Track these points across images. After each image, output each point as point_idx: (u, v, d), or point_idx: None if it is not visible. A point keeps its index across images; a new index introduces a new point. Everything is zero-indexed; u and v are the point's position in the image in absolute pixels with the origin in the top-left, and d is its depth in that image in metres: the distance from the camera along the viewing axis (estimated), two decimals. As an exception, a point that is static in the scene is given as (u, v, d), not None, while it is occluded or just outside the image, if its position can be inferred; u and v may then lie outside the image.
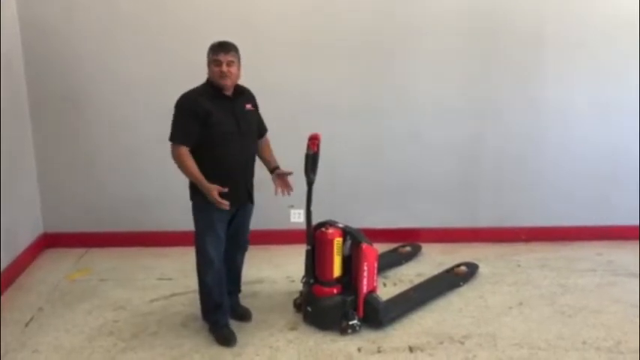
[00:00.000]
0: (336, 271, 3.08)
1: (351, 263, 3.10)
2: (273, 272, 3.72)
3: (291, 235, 3.89)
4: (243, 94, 2.90)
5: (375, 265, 3.12)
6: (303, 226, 3.11)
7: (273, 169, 3.03)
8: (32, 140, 4.00)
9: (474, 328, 3.10)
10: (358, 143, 4.08)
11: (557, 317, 3.22)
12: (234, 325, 3.07)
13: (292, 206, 4.02)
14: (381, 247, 3.60)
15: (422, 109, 4.05)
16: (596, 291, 3.51)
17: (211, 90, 2.80)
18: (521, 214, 4.24)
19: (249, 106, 2.90)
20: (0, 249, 3.49)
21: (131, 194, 4.11)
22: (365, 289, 3.08)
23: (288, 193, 3.04)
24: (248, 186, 2.95)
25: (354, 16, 3.87)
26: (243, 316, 3.17)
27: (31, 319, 3.24)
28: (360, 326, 3.06)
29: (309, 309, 3.12)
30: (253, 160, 2.98)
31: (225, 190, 2.73)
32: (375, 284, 3.15)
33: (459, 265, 3.73)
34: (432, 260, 3.93)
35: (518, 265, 3.88)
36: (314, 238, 3.09)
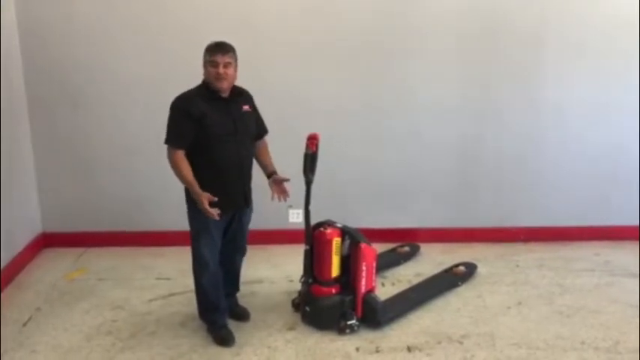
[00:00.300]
0: (335, 270, 3.07)
1: (349, 263, 3.10)
2: (272, 272, 3.72)
3: (289, 235, 3.89)
4: (240, 96, 2.86)
5: (374, 265, 3.12)
6: (302, 226, 3.11)
7: (270, 174, 2.97)
8: (30, 140, 4.00)
9: (473, 328, 3.11)
10: (357, 143, 4.08)
11: (556, 317, 3.22)
12: (232, 324, 3.07)
13: (291, 206, 4.00)
14: (380, 247, 3.60)
15: (421, 109, 4.04)
16: (595, 291, 3.52)
17: (207, 92, 2.76)
18: (520, 214, 4.24)
19: (246, 108, 2.87)
20: (-2, 248, 3.50)
21: (130, 194, 4.11)
22: (363, 288, 3.08)
23: (285, 199, 3.00)
24: (245, 189, 2.90)
25: (353, 15, 3.86)
26: (241, 316, 3.16)
27: (30, 318, 3.23)
28: (358, 326, 3.06)
29: (307, 309, 3.12)
30: (250, 163, 2.93)
31: (216, 199, 2.68)
32: (373, 284, 3.15)
33: (457, 265, 3.74)
34: (431, 260, 3.93)
35: (517, 265, 3.88)
36: (313, 237, 3.09)
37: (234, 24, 3.78)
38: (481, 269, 3.76)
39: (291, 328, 3.12)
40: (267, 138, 3.06)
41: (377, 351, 2.92)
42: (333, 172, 3.96)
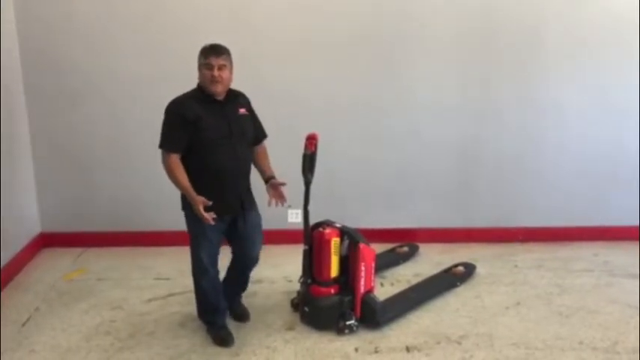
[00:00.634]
0: (334, 271, 3.07)
1: (348, 263, 3.10)
2: (271, 272, 3.72)
3: (288, 235, 3.89)
4: (236, 98, 2.83)
5: (373, 265, 3.12)
6: (301, 226, 3.10)
7: (268, 179, 2.92)
8: (29, 140, 4.00)
9: (471, 328, 3.11)
10: (356, 143, 4.08)
11: (554, 317, 3.22)
12: (231, 324, 3.06)
13: (290, 206, 3.96)
14: (379, 247, 3.60)
15: (421, 109, 4.04)
16: (593, 291, 3.52)
17: (202, 95, 2.73)
18: (519, 214, 4.24)
19: (242, 111, 2.83)
20: (-3, 248, 3.49)
21: (129, 194, 4.11)
22: (362, 289, 3.08)
23: (282, 204, 2.95)
24: (241, 194, 2.85)
25: (353, 15, 3.86)
26: (242, 316, 3.15)
27: (28, 318, 3.23)
28: (357, 326, 3.06)
29: (306, 309, 3.12)
30: (248, 167, 2.89)
31: (210, 203, 2.65)
32: (372, 284, 3.15)
33: (456, 266, 3.74)
34: (430, 260, 3.93)
35: (516, 266, 3.88)
36: (311, 238, 3.09)
37: (233, 24, 3.78)
38: (480, 269, 3.77)
39: (290, 329, 3.12)
40: (266, 138, 3.05)
41: (376, 351, 2.92)
42: (332, 172, 3.96)
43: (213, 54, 2.68)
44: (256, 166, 2.96)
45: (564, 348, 2.93)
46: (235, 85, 2.85)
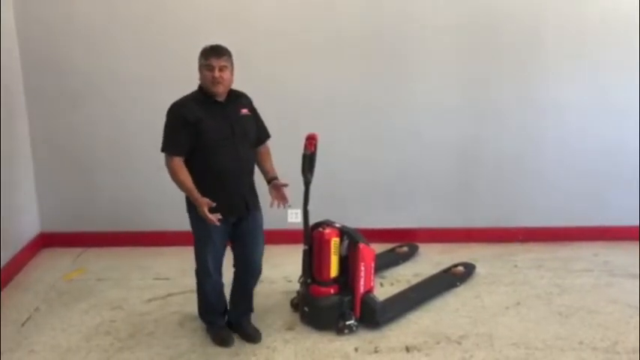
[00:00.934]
0: (334, 271, 3.07)
1: (348, 263, 3.10)
2: (271, 272, 3.71)
3: (288, 235, 3.88)
4: (238, 99, 2.81)
5: (373, 265, 3.12)
6: (301, 226, 3.11)
7: (270, 180, 2.89)
8: (29, 140, 4.00)
9: (471, 328, 3.11)
10: (356, 143, 4.08)
11: (554, 317, 3.22)
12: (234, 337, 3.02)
13: (290, 206, 3.98)
14: (379, 247, 3.60)
15: (421, 109, 4.04)
16: (593, 291, 3.52)
17: (203, 96, 2.72)
18: (518, 214, 4.24)
19: (244, 111, 2.81)
20: (-3, 248, 3.50)
21: (128, 194, 4.11)
22: (362, 289, 3.08)
23: (284, 206, 2.92)
24: (245, 194, 2.82)
25: (353, 15, 3.86)
26: (252, 337, 2.99)
27: (28, 318, 3.23)
28: (357, 326, 3.06)
29: (306, 309, 3.12)
30: (251, 168, 2.86)
31: (214, 204, 2.64)
32: (372, 284, 3.16)
33: (456, 265, 3.74)
34: (430, 260, 3.93)
35: (515, 266, 3.88)
36: (311, 238, 3.09)
37: (233, 24, 3.78)
38: (480, 269, 3.77)
39: (290, 329, 3.12)
40: (270, 139, 3.02)
41: (376, 351, 2.92)
42: (331, 172, 3.95)
43: (213, 55, 2.67)
44: (259, 166, 2.94)
45: (564, 348, 2.93)
46: (235, 86, 2.84)
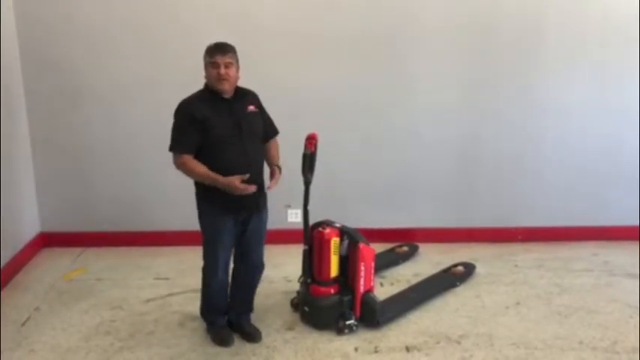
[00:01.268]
0: (334, 270, 3.07)
1: (348, 263, 3.10)
2: (271, 272, 3.69)
3: (288, 235, 3.89)
4: (244, 96, 2.81)
5: (373, 264, 3.12)
6: (301, 226, 3.11)
7: (271, 166, 2.89)
8: (29, 140, 4.00)
9: (471, 328, 3.11)
10: (356, 142, 4.08)
11: (554, 317, 3.22)
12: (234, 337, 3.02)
13: (289, 206, 4.02)
14: (379, 247, 3.60)
15: (421, 109, 4.05)
16: (593, 291, 3.52)
17: (209, 94, 2.72)
18: (518, 214, 4.24)
19: (251, 108, 2.80)
20: (-3, 248, 3.50)
21: (128, 194, 4.11)
22: (362, 288, 3.08)
23: (270, 186, 2.84)
24: (255, 193, 2.77)
25: (353, 15, 3.87)
26: (252, 336, 3.00)
27: (28, 318, 3.23)
28: (357, 326, 3.06)
29: (306, 309, 3.12)
30: (260, 166, 2.83)
31: (246, 176, 2.62)
32: (372, 284, 3.16)
33: (456, 265, 3.74)
34: (429, 260, 3.93)
35: (515, 265, 3.88)
36: (311, 237, 3.09)
37: (233, 24, 3.78)
38: (479, 269, 3.77)
39: (290, 328, 3.12)
40: (278, 135, 2.99)
41: (375, 351, 2.92)
42: (331, 172, 3.96)
43: (218, 52, 2.66)
44: (265, 158, 2.91)
45: (564, 348, 2.93)
46: (235, 85, 2.85)
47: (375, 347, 2.95)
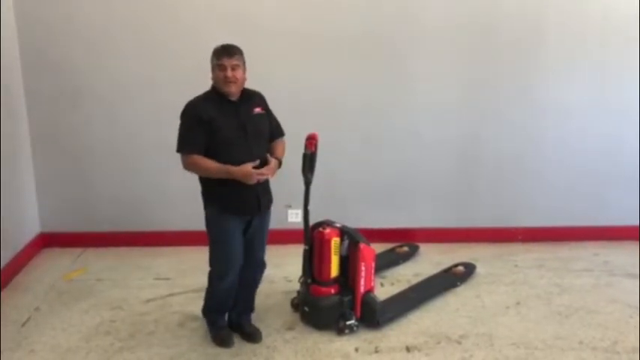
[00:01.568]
0: (334, 271, 3.07)
1: (348, 263, 3.10)
2: (271, 272, 3.68)
3: (288, 235, 3.88)
4: (251, 98, 2.80)
5: (373, 265, 3.12)
6: (301, 226, 3.10)
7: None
8: (29, 140, 3.99)
9: (471, 328, 3.11)
10: (356, 142, 4.08)
11: (554, 317, 3.22)
12: (235, 337, 3.00)
13: (290, 206, 4.02)
14: (379, 247, 3.60)
15: (421, 109, 4.05)
16: (593, 291, 3.52)
17: (216, 96, 2.71)
18: (519, 214, 4.24)
19: (258, 110, 2.80)
20: (-3, 248, 3.49)
21: (128, 194, 4.11)
22: (362, 289, 3.08)
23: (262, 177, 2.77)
24: (259, 194, 2.77)
25: (353, 15, 3.86)
26: (252, 336, 3.00)
27: (28, 318, 3.23)
28: (357, 326, 3.06)
29: (306, 309, 3.12)
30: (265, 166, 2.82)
31: (257, 162, 2.63)
32: (372, 284, 3.16)
33: (456, 265, 3.74)
34: (430, 260, 3.93)
35: (516, 266, 3.88)
36: (312, 237, 3.09)
37: (233, 24, 3.78)
38: (480, 269, 3.77)
39: (290, 328, 3.12)
40: (284, 136, 2.96)
41: (376, 351, 2.92)
42: (332, 172, 3.96)
43: (225, 55, 2.65)
44: (270, 155, 2.86)
45: (564, 348, 2.93)
46: (235, 85, 2.84)
47: (376, 347, 2.95)
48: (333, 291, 3.08)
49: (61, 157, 4.05)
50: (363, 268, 3.05)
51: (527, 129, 4.09)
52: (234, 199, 2.69)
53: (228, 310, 3.04)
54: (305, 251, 3.09)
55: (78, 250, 4.11)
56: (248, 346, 2.95)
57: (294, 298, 3.31)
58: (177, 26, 3.84)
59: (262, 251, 2.99)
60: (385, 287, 3.55)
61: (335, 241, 3.04)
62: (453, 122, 4.07)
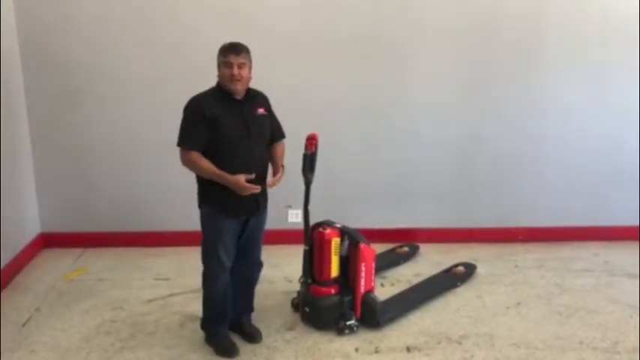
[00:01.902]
0: (334, 271, 3.07)
1: (348, 263, 3.10)
2: (271, 272, 3.71)
3: (288, 236, 3.89)
4: (255, 98, 2.80)
5: (373, 265, 3.12)
6: (301, 226, 3.11)
7: (275, 167, 2.87)
8: (30, 140, 3.99)
9: (472, 328, 3.11)
10: (357, 143, 4.09)
11: (555, 317, 3.22)
12: (234, 337, 3.00)
13: (290, 206, 4.02)
14: (379, 248, 3.60)
15: (421, 109, 4.05)
16: (593, 291, 3.52)
17: (220, 93, 2.71)
18: (519, 214, 4.24)
19: (261, 110, 2.79)
20: (-3, 249, 3.49)
21: (129, 195, 4.11)
22: (363, 289, 3.08)
23: (270, 184, 2.82)
24: (257, 195, 2.75)
25: (353, 15, 3.87)
26: (253, 336, 3.00)
27: (29, 319, 3.23)
28: (357, 326, 3.06)
29: (306, 309, 3.12)
30: (265, 168, 2.82)
31: (252, 176, 2.62)
32: (372, 284, 3.16)
33: (456, 266, 3.74)
34: (430, 260, 3.93)
35: (516, 266, 3.88)
36: (312, 238, 3.09)
37: (233, 24, 3.77)
38: (480, 269, 3.77)
39: (291, 329, 3.12)
40: (284, 139, 2.96)
41: (376, 351, 2.92)
42: (332, 172, 3.96)
43: (232, 52, 2.65)
44: (270, 160, 2.88)
45: (564, 348, 2.93)
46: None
47: (376, 348, 2.95)
48: (333, 291, 3.08)
49: (61, 157, 4.05)
50: (363, 269, 3.05)
51: (527, 129, 4.09)
52: (231, 201, 2.67)
53: (228, 315, 2.97)
54: (305, 251, 3.09)
55: (78, 251, 4.11)
56: (248, 346, 2.95)
57: (295, 298, 3.31)
58: (178, 26, 3.84)
59: (258, 251, 2.99)
60: (385, 287, 3.55)
61: (335, 242, 3.04)
62: (453, 122, 4.07)
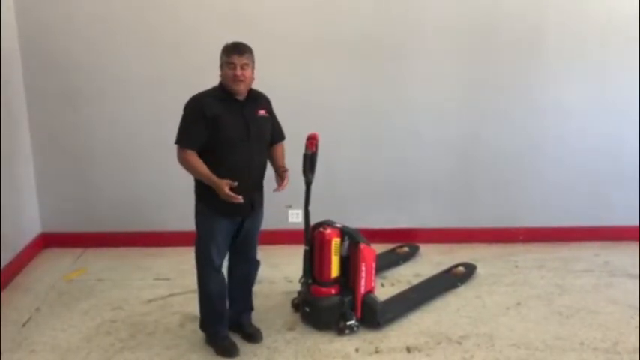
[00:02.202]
0: (334, 271, 3.07)
1: (349, 263, 3.10)
2: (271, 272, 3.72)
3: (289, 236, 3.89)
4: (257, 99, 2.79)
5: (373, 265, 3.12)
6: (301, 226, 3.11)
7: (277, 169, 2.87)
8: (30, 140, 3.99)
9: (472, 329, 3.11)
10: (357, 143, 4.08)
11: (555, 318, 3.22)
12: (235, 337, 2.99)
13: (290, 206, 4.02)
14: (379, 248, 3.60)
15: (421, 109, 4.05)
16: (594, 292, 3.52)
17: (222, 93, 2.70)
18: (519, 214, 4.24)
19: (262, 112, 2.78)
20: (-3, 249, 3.49)
21: (129, 195, 4.11)
22: (363, 289, 3.08)
23: (279, 188, 2.85)
24: (253, 196, 2.77)
25: (354, 15, 3.87)
26: (253, 336, 3.00)
27: (29, 319, 3.23)
28: (357, 326, 3.06)
29: (306, 309, 3.12)
30: (263, 170, 2.82)
31: (235, 184, 2.61)
32: (372, 284, 3.16)
33: (456, 266, 3.74)
34: (430, 260, 3.93)
35: (516, 266, 3.88)
36: (312, 238, 3.09)
37: (235, 25, 3.77)
38: (480, 270, 3.77)
39: (291, 329, 3.12)
40: (284, 140, 2.97)
41: (376, 351, 2.92)
42: (332, 173, 3.96)
43: (235, 52, 2.64)
44: (271, 162, 2.88)
45: (565, 348, 2.93)
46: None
47: (376, 348, 2.95)
48: (333, 291, 3.08)
49: (61, 157, 4.05)
50: (363, 269, 3.05)
51: (527, 129, 4.09)
52: (227, 203, 2.65)
53: (226, 314, 2.97)
54: (305, 251, 3.09)
55: (78, 251, 4.11)
56: (248, 346, 2.95)
57: (295, 298, 3.31)
58: (178, 26, 3.84)
59: (254, 250, 2.99)
60: (386, 287, 3.55)
61: (335, 242, 3.04)
62: (453, 122, 4.07)
